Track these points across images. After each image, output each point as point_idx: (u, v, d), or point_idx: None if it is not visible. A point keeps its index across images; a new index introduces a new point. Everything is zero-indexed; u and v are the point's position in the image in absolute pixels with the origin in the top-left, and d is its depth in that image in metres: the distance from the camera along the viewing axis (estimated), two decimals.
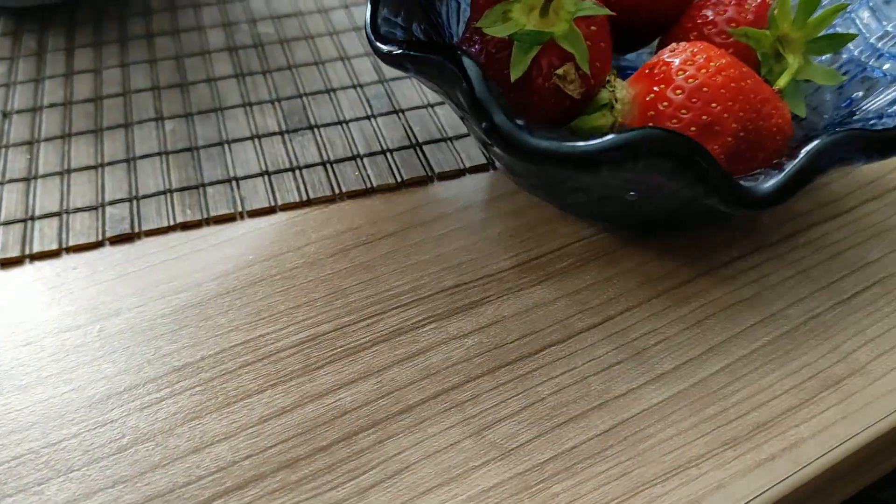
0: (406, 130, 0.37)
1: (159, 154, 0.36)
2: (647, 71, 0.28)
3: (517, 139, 0.24)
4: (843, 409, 0.25)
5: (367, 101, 0.39)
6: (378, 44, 0.26)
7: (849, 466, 0.25)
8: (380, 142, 0.36)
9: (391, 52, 0.26)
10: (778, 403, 0.26)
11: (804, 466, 0.24)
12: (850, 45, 0.31)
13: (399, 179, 0.34)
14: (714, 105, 0.27)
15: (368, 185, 0.34)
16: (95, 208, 0.33)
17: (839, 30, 0.32)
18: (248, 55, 0.42)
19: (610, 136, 0.23)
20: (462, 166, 0.35)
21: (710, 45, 0.28)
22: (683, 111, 0.27)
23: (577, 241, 0.31)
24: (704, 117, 0.27)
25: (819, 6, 0.28)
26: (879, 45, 0.30)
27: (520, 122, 0.24)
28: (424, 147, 0.36)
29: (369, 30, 0.27)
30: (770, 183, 0.24)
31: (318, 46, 0.43)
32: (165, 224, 0.33)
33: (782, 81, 0.28)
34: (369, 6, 0.28)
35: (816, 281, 0.29)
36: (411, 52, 0.26)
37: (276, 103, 0.39)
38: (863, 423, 0.25)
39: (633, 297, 0.29)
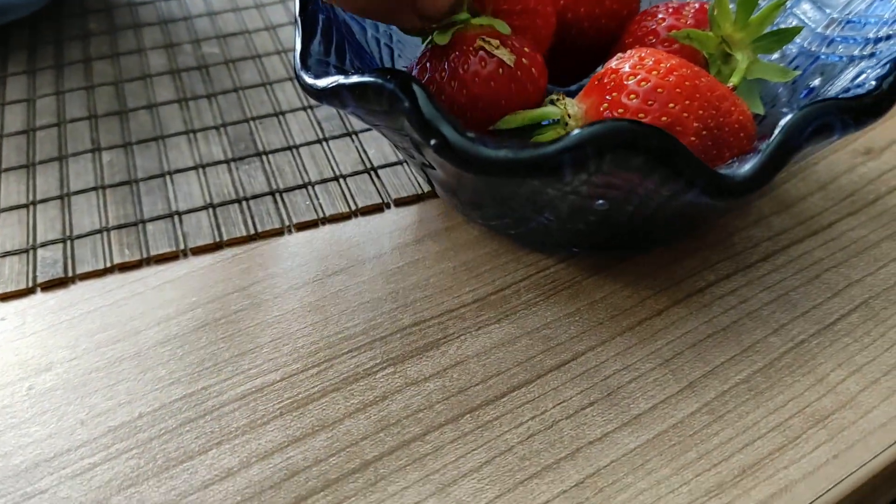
0: (360, 154, 0.35)
1: (96, 189, 0.33)
2: (596, 82, 0.26)
3: (472, 152, 0.22)
4: (834, 447, 0.24)
5: (318, 123, 0.37)
6: (308, 79, 0.24)
7: None
8: (332, 167, 0.34)
9: (328, 86, 0.24)
10: (763, 444, 0.24)
11: None
12: (798, 39, 0.30)
13: (353, 207, 0.32)
14: (672, 105, 0.25)
15: (320, 215, 0.32)
16: (26, 251, 0.31)
17: (783, 26, 0.30)
18: (192, 78, 0.40)
19: (571, 134, 0.21)
20: (420, 191, 0.33)
21: (656, 49, 0.27)
22: (641, 115, 0.25)
23: (541, 271, 0.29)
24: (664, 118, 0.25)
25: (757, 5, 0.27)
26: (827, 32, 0.29)
27: (471, 134, 0.22)
28: (380, 171, 0.34)
29: (299, 67, 0.25)
30: (749, 165, 0.22)
31: (265, 66, 0.40)
32: (102, 266, 0.30)
33: (735, 78, 0.27)
34: (298, 44, 0.26)
35: (798, 305, 0.28)
36: (350, 82, 0.23)
37: (222, 129, 0.36)
38: (856, 462, 0.23)
39: (602, 332, 0.27)
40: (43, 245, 0.31)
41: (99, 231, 0.31)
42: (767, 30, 0.28)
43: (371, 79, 0.23)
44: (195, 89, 0.39)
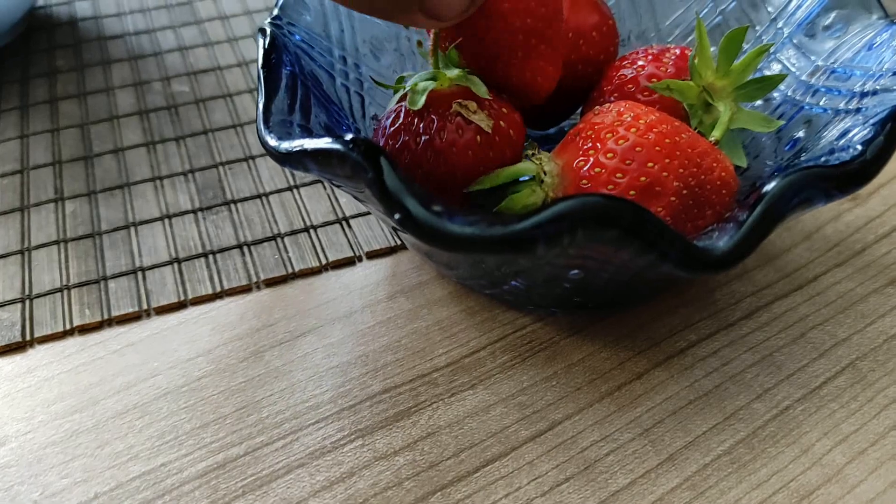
0: (332, 202, 0.34)
1: (57, 242, 0.32)
2: (573, 138, 0.25)
3: (437, 228, 0.21)
4: None
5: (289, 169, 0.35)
6: (272, 141, 0.23)
7: None
8: (303, 217, 0.33)
9: (290, 149, 0.23)
10: None
11: None
12: (782, 87, 0.29)
13: (323, 261, 0.31)
14: (651, 164, 0.24)
15: (289, 270, 0.31)
16: None
17: (766, 73, 0.29)
18: (161, 119, 0.38)
19: (542, 211, 0.20)
20: (393, 243, 0.32)
21: (636, 103, 0.26)
22: (619, 175, 0.24)
23: (517, 330, 0.28)
24: (643, 178, 0.24)
25: (740, 51, 0.26)
26: (812, 80, 0.27)
27: (437, 208, 0.21)
28: (351, 221, 0.33)
29: (262, 128, 0.24)
30: (728, 238, 0.21)
31: (236, 105, 0.39)
32: (61, 328, 0.29)
33: (717, 132, 0.26)
34: (261, 103, 0.24)
35: (783, 367, 0.27)
36: (312, 148, 0.22)
37: (190, 175, 0.35)
38: None
39: (580, 399, 0.26)
40: (1, 305, 0.30)
41: (59, 290, 0.30)
42: (750, 77, 0.27)
43: (335, 146, 0.22)
44: (163, 131, 0.38)
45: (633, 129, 0.24)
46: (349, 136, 0.22)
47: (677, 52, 0.29)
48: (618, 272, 0.24)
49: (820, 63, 0.28)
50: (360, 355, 0.28)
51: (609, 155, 0.24)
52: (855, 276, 0.29)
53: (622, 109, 0.25)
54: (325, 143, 0.22)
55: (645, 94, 0.28)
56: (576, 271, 0.23)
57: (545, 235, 0.20)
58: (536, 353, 0.27)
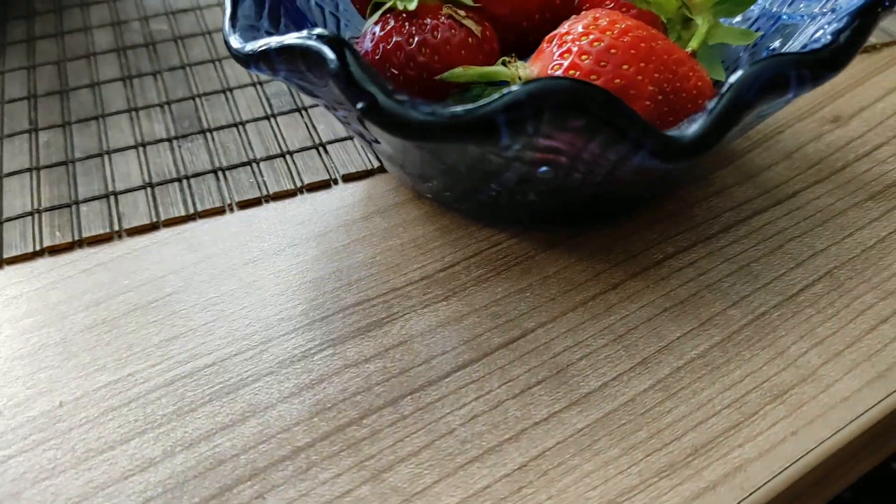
0: (308, 130, 0.33)
1: (29, 170, 0.32)
2: (548, 44, 0.25)
3: (401, 115, 0.20)
4: (792, 424, 0.22)
5: (267, 99, 0.35)
6: (236, 43, 0.23)
7: (801, 489, 0.22)
8: (279, 144, 0.33)
9: (255, 50, 0.22)
10: (718, 421, 0.22)
11: (751, 493, 0.21)
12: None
13: (299, 184, 0.31)
14: (626, 67, 0.24)
15: (263, 193, 0.30)
16: None
17: None
18: (139, 55, 0.38)
19: (506, 91, 0.20)
20: (369, 166, 0.31)
21: (609, 9, 0.25)
22: (594, 76, 0.24)
23: (493, 246, 0.28)
24: (617, 81, 0.23)
25: None
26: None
27: (401, 97, 0.20)
28: (328, 147, 0.32)
29: (228, 28, 0.23)
30: (698, 124, 0.21)
31: (216, 42, 0.39)
32: (31, 249, 0.29)
33: (694, 43, 0.25)
34: (228, 6, 0.24)
35: (759, 276, 0.26)
36: (278, 45, 0.22)
37: (166, 107, 0.35)
38: (815, 439, 0.22)
39: (553, 308, 0.26)
40: None
41: (30, 213, 0.30)
42: None
43: (299, 41, 0.22)
44: (141, 67, 0.37)
45: (608, 33, 0.24)
46: (315, 31, 0.22)
47: None
48: (589, 171, 0.23)
49: None
50: (334, 271, 0.27)
51: (583, 57, 0.24)
52: (835, 192, 0.29)
53: (598, 15, 0.25)
54: (291, 38, 0.22)
55: (623, 10, 0.28)
56: (545, 168, 0.23)
57: (509, 120, 0.20)
58: (511, 267, 0.27)
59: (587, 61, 0.24)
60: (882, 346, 0.24)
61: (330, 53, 0.21)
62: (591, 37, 0.24)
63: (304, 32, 0.22)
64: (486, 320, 0.25)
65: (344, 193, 0.30)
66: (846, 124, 0.32)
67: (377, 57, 0.26)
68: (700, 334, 0.25)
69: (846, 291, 0.26)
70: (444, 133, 0.20)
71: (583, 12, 0.26)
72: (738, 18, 0.29)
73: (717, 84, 0.26)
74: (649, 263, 0.27)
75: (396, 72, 0.26)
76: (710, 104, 0.21)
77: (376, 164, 0.31)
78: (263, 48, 0.23)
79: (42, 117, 0.35)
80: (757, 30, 0.28)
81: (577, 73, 0.24)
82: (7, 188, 0.31)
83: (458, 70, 0.25)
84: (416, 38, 0.26)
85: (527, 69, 0.25)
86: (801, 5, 0.26)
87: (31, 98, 0.36)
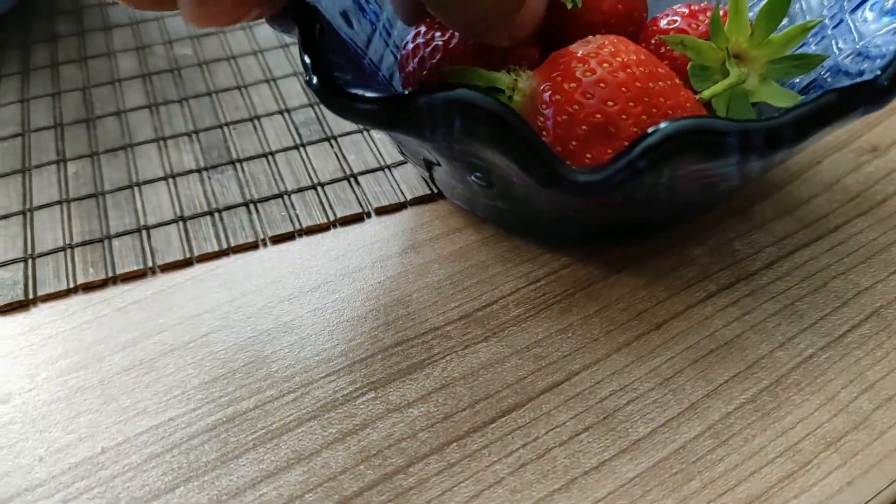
0: (339, 160, 0.33)
1: (60, 203, 0.32)
2: (552, 60, 0.24)
3: (328, 93, 0.21)
4: (848, 473, 0.22)
5: (296, 128, 0.35)
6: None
7: None
8: (309, 174, 0.32)
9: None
10: (772, 470, 0.22)
11: None
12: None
13: (331, 217, 0.30)
14: (610, 104, 0.23)
15: (296, 227, 0.30)
16: None
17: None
18: (164, 81, 0.38)
19: (436, 95, 0.20)
20: (402, 198, 0.31)
21: (624, 39, 0.25)
22: (574, 106, 0.23)
23: (531, 283, 0.27)
24: (598, 116, 0.23)
25: (783, 20, 0.25)
26: (845, 61, 0.26)
27: (344, 77, 0.22)
28: (360, 178, 0.32)
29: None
30: (594, 170, 0.20)
31: (241, 67, 0.38)
32: (65, 287, 0.28)
33: (708, 93, 0.24)
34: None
35: (805, 316, 0.26)
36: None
37: (194, 136, 0.34)
38: (872, 489, 0.22)
39: (597, 350, 0.25)
40: (3, 265, 0.29)
41: (62, 249, 0.30)
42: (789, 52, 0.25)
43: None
44: (167, 93, 0.37)
45: (605, 65, 0.23)
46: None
47: (722, 11, 0.28)
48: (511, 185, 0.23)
49: (859, 46, 0.27)
50: (371, 310, 0.27)
51: (572, 84, 0.23)
52: (876, 226, 0.29)
53: (604, 42, 0.24)
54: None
55: (666, 47, 0.27)
56: (477, 174, 0.24)
57: (425, 121, 0.21)
58: (550, 305, 0.27)
59: (574, 90, 0.23)
60: None
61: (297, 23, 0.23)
62: (587, 65, 0.23)
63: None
64: (529, 362, 0.25)
65: (377, 227, 0.30)
66: (885, 154, 0.31)
67: (412, 66, 0.27)
68: (748, 377, 0.24)
69: (894, 332, 0.25)
70: (375, 119, 0.21)
71: (597, 36, 0.25)
72: None
73: None
74: (692, 302, 0.27)
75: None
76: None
77: (409, 196, 0.31)
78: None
79: (69, 147, 0.34)
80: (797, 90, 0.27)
81: (563, 98, 0.23)
82: (38, 222, 0.31)
83: (457, 69, 0.24)
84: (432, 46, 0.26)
85: (526, 81, 0.24)
86: (843, 78, 0.26)
87: (57, 127, 0.35)
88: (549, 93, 0.23)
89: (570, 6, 0.26)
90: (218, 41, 0.40)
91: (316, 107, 0.36)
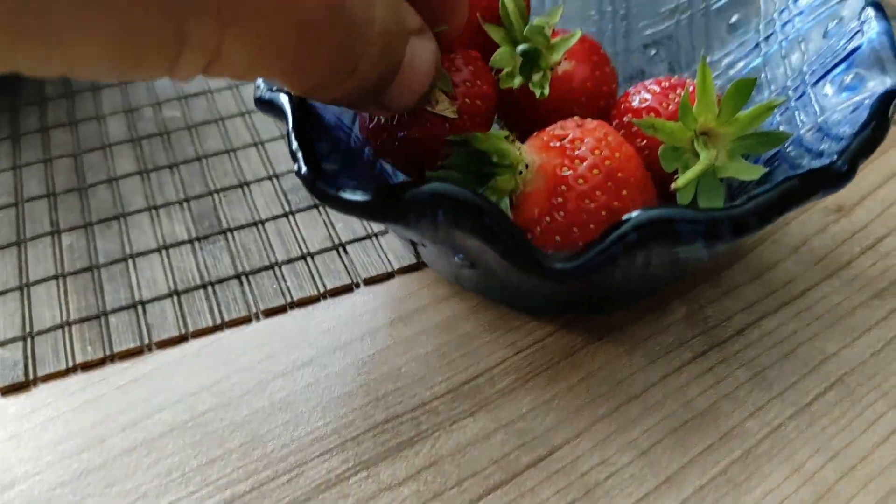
0: (328, 228, 0.34)
1: (56, 277, 0.33)
2: (556, 142, 0.26)
3: (317, 187, 0.23)
4: None
5: (284, 194, 0.36)
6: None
7: None
8: (299, 244, 0.33)
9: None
10: None
11: None
12: None
13: (321, 289, 0.32)
14: (625, 192, 0.25)
15: (288, 299, 0.31)
16: None
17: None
18: (153, 146, 0.39)
19: (417, 187, 0.21)
20: (390, 268, 0.32)
21: (614, 129, 0.26)
22: (599, 192, 0.24)
23: (516, 353, 0.29)
24: (616, 203, 0.25)
25: (749, 99, 0.26)
26: (806, 136, 0.27)
27: (331, 167, 0.23)
28: (348, 247, 0.33)
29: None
30: (571, 257, 0.22)
31: (228, 130, 0.39)
32: (64, 366, 0.29)
33: (681, 181, 0.25)
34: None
35: (774, 385, 0.27)
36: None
37: (185, 204, 0.36)
38: None
39: (578, 421, 0.27)
40: (2, 344, 0.30)
41: (60, 326, 0.31)
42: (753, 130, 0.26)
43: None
44: (156, 159, 0.38)
45: (616, 154, 0.25)
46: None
47: (692, 88, 0.29)
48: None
49: (819, 120, 0.28)
50: (362, 384, 0.28)
51: (595, 171, 0.25)
52: (842, 290, 0.30)
53: (606, 132, 0.26)
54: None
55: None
56: (460, 255, 0.25)
57: (410, 213, 0.22)
58: (536, 375, 0.28)
59: (598, 175, 0.24)
60: (894, 460, 0.25)
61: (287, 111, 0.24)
62: (602, 153, 0.25)
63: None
64: (514, 437, 0.26)
65: (366, 298, 0.31)
66: (850, 213, 0.33)
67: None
68: (720, 448, 0.26)
69: (857, 400, 0.27)
70: (349, 210, 0.23)
71: (588, 120, 0.26)
72: None
73: None
74: (668, 370, 0.28)
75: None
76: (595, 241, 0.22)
77: (396, 265, 0.32)
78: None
79: (63, 217, 0.35)
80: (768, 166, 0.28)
81: (585, 183, 0.24)
82: (35, 297, 0.32)
83: (468, 136, 0.25)
84: (399, 135, 0.27)
85: (531, 156, 0.26)
86: (805, 155, 0.27)
87: (50, 196, 0.36)
88: (569, 177, 0.25)
89: (538, 95, 0.27)
90: (206, 102, 0.41)
91: None
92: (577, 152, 0.25)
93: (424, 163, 0.26)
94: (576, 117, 0.27)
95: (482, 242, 0.22)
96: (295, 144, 0.24)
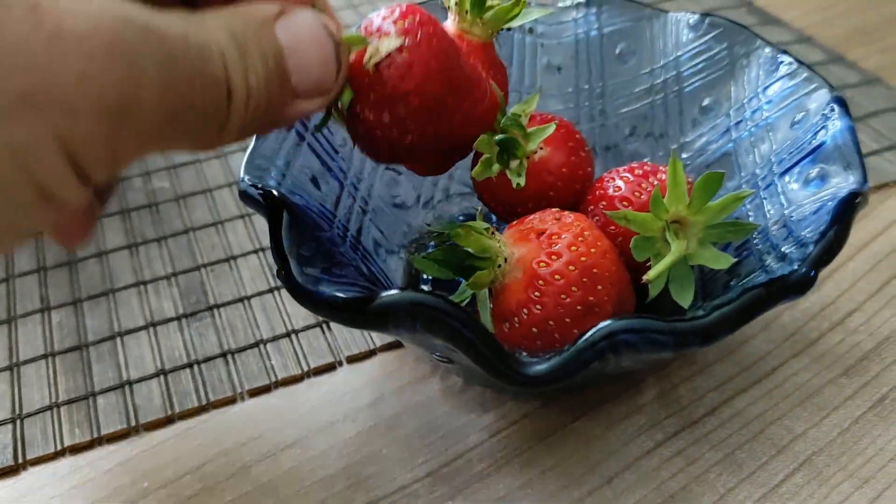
0: None
1: (45, 356, 0.33)
2: (534, 235, 0.27)
3: (299, 286, 0.23)
4: None
5: (270, 269, 0.37)
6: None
7: None
8: (284, 321, 0.34)
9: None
10: None
11: None
12: None
13: (305, 368, 0.32)
14: (600, 287, 0.26)
15: (272, 378, 0.32)
16: None
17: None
18: (142, 218, 0.40)
19: (391, 294, 0.22)
20: (371, 345, 0.33)
21: (591, 222, 0.28)
22: (575, 288, 0.26)
23: (492, 435, 0.29)
24: (591, 298, 0.26)
25: (720, 189, 0.27)
26: (773, 228, 0.28)
27: (311, 271, 0.24)
28: (332, 324, 0.34)
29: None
30: (545, 363, 0.22)
31: (216, 200, 0.40)
32: (52, 449, 0.30)
33: (652, 273, 0.26)
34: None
35: (744, 466, 0.28)
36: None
37: (173, 279, 0.36)
38: None
39: None
40: None
41: (49, 408, 0.31)
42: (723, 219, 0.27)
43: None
44: (145, 232, 0.39)
45: (592, 250, 0.26)
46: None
47: (663, 176, 0.30)
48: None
49: (786, 212, 0.29)
50: (344, 467, 0.29)
51: (571, 268, 0.26)
52: (811, 367, 0.31)
53: (583, 226, 0.27)
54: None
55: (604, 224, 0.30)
56: (438, 353, 0.26)
57: (388, 320, 0.22)
58: (511, 460, 0.29)
59: (574, 272, 0.26)
60: None
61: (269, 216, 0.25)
62: (579, 250, 0.26)
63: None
64: None
65: (349, 377, 0.32)
66: (819, 288, 0.34)
67: None
68: None
69: (824, 481, 0.28)
70: (337, 314, 0.23)
71: (566, 214, 0.27)
72: None
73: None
74: (640, 453, 0.29)
75: None
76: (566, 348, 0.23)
77: (378, 342, 0.33)
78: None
79: (53, 293, 0.36)
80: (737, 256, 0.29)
81: (562, 279, 0.25)
82: (25, 378, 0.32)
83: (456, 232, 0.26)
84: None
85: (509, 249, 0.27)
86: (769, 250, 0.28)
87: (40, 270, 0.37)
88: (547, 272, 0.26)
89: (514, 185, 0.28)
90: (194, 172, 0.42)
91: None
92: (554, 248, 0.26)
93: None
94: (555, 209, 0.28)
95: (457, 349, 0.23)
96: (281, 248, 0.25)
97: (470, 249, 0.26)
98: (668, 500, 0.27)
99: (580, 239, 0.26)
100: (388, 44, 0.23)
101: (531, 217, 0.28)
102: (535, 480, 0.28)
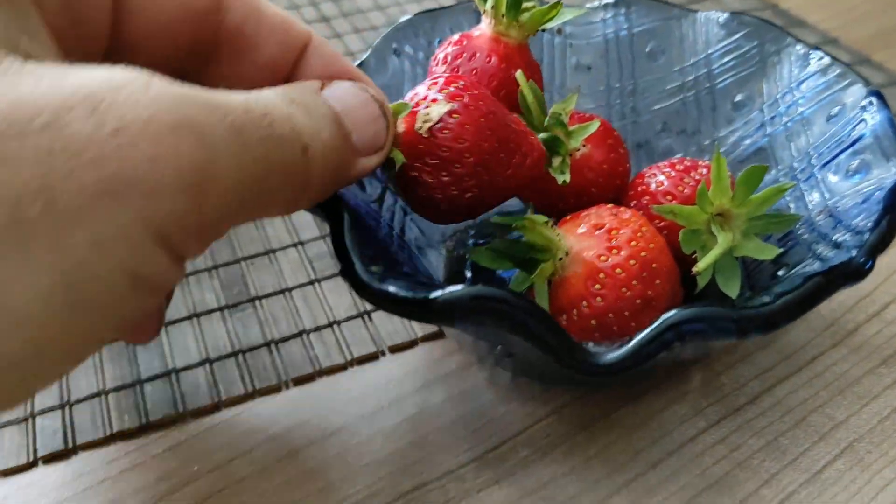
0: (353, 295, 0.35)
1: None
2: (594, 230, 0.27)
3: (365, 284, 0.23)
4: None
5: (310, 262, 0.37)
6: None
7: None
8: (326, 312, 0.35)
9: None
10: None
11: None
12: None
13: (348, 357, 0.33)
14: (658, 282, 0.26)
15: (316, 367, 0.32)
16: (25, 420, 0.31)
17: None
18: None
19: (457, 289, 0.22)
20: (414, 335, 0.34)
21: (645, 218, 0.28)
22: (635, 282, 0.26)
23: (536, 422, 0.30)
24: (650, 292, 0.26)
25: (761, 182, 0.27)
26: (817, 219, 0.28)
27: (375, 269, 0.23)
28: (373, 315, 0.35)
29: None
30: (615, 353, 0.23)
31: None
32: (102, 434, 0.30)
33: (701, 265, 0.27)
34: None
35: (787, 452, 0.28)
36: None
37: (214, 271, 0.37)
38: None
39: (599, 491, 0.28)
40: (42, 412, 0.31)
41: (97, 394, 0.32)
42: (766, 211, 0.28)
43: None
44: None
45: (651, 245, 0.27)
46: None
47: (704, 171, 0.30)
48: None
49: (829, 203, 0.29)
50: (390, 453, 0.29)
51: (632, 262, 0.26)
52: (849, 357, 0.31)
53: (641, 223, 0.27)
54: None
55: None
56: (500, 347, 0.26)
57: (453, 315, 0.22)
58: (555, 448, 0.29)
59: (635, 266, 0.26)
60: None
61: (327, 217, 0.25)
62: (638, 245, 0.27)
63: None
64: None
65: (392, 366, 0.32)
66: None
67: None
68: None
69: (866, 467, 0.28)
70: (395, 307, 0.23)
71: (623, 210, 0.28)
72: None
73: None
74: (683, 440, 0.29)
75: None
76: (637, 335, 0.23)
77: (419, 332, 0.33)
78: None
79: None
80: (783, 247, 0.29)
81: (623, 272, 0.26)
82: None
83: (518, 219, 0.27)
84: None
85: (567, 243, 0.27)
86: (819, 241, 0.28)
87: None
88: (609, 265, 0.26)
89: (559, 182, 0.29)
90: None
91: (327, 240, 0.38)
92: (614, 242, 0.27)
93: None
94: (610, 205, 0.29)
95: (524, 340, 0.23)
96: (344, 247, 0.24)
97: (534, 242, 0.27)
98: (712, 486, 0.28)
99: (639, 234, 0.27)
100: (440, 109, 0.25)
101: (587, 212, 0.28)
102: (578, 467, 0.28)
